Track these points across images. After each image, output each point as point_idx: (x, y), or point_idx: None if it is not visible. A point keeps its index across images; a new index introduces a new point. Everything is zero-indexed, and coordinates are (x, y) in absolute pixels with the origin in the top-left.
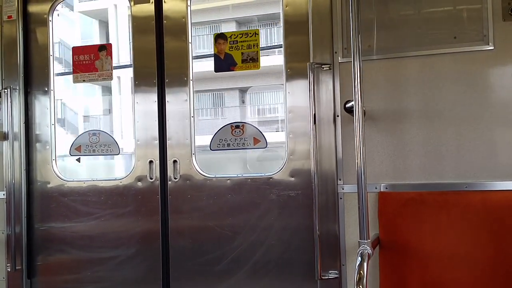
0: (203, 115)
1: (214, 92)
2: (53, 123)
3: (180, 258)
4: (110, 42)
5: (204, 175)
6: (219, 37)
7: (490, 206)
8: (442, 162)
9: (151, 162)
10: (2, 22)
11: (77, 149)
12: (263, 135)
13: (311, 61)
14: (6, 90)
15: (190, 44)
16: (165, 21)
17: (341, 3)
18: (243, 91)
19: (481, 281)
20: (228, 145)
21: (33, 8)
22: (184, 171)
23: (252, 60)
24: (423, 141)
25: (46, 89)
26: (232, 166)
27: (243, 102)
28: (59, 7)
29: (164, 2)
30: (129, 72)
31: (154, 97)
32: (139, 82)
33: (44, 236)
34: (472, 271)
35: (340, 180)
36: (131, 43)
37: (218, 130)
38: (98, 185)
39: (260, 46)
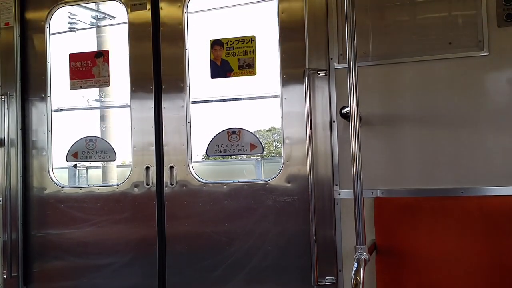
0: None
1: None
2: (50, 129)
3: (177, 265)
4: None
5: (200, 181)
6: (216, 44)
7: (486, 211)
8: (438, 168)
9: (147, 168)
10: None
11: (74, 156)
12: (260, 141)
13: (307, 67)
14: (3, 97)
15: (186, 51)
16: (161, 28)
17: (336, 10)
18: None
19: (477, 287)
20: (225, 150)
21: (30, 15)
22: (180, 177)
23: (248, 66)
24: (419, 146)
25: (43, 95)
26: None
27: None
28: None
29: (161, 9)
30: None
31: (150, 104)
32: (136, 88)
33: (40, 243)
34: (469, 276)
35: (336, 185)
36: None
37: (215, 136)
38: (95, 191)
39: None
